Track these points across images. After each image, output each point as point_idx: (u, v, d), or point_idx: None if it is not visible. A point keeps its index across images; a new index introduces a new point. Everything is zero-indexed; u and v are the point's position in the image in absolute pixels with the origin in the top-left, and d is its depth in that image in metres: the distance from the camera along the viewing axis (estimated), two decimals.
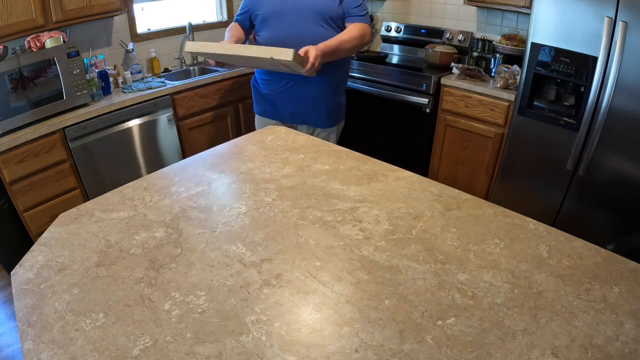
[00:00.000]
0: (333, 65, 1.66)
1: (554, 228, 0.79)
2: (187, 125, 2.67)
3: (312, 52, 1.41)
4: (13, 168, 1.93)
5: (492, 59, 2.50)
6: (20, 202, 2.02)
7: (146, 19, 2.84)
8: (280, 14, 1.64)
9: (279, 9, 1.65)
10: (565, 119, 1.99)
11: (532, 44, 1.98)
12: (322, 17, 1.61)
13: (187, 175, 1.00)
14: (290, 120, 1.83)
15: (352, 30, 1.63)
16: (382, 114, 2.73)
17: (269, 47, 1.36)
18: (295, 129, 1.75)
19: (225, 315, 0.60)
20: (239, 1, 3.33)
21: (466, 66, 2.50)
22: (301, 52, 1.40)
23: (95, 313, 0.61)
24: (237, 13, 1.83)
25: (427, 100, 2.49)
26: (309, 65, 1.40)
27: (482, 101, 2.35)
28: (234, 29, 1.77)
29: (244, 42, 1.78)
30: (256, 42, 1.77)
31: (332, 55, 1.55)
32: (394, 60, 2.96)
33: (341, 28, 1.65)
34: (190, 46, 1.45)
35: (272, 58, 1.27)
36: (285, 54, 1.28)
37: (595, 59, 1.77)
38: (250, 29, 1.82)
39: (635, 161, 1.80)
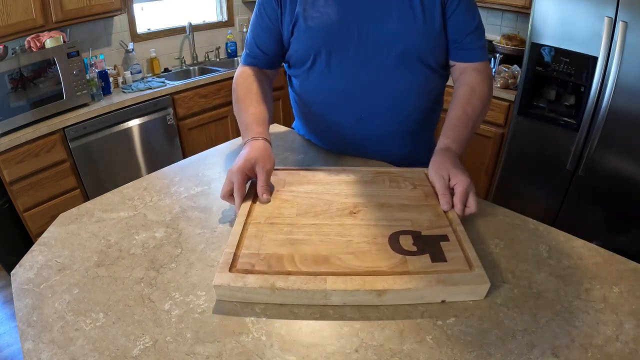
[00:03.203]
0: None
1: (554, 228, 0.79)
2: (187, 125, 2.68)
3: (460, 186, 0.75)
4: (13, 168, 1.94)
5: (492, 58, 2.51)
6: (20, 202, 2.02)
7: (146, 19, 2.85)
8: (344, 49, 0.92)
9: (339, 40, 0.91)
10: (565, 119, 1.99)
11: (532, 44, 1.98)
12: (418, 57, 0.92)
13: (187, 175, 1.00)
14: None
15: (477, 85, 0.92)
16: None
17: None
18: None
19: (226, 315, 0.60)
20: (239, 1, 3.34)
21: None
22: (442, 195, 0.77)
23: (95, 313, 0.61)
24: (248, 43, 1.02)
25: None
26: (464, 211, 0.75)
27: None
28: (252, 98, 0.95)
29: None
30: (293, 93, 1.11)
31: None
32: None
33: (443, 65, 0.98)
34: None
35: (443, 302, 0.62)
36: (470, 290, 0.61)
37: (595, 59, 1.77)
38: (276, 71, 1.08)
39: (635, 161, 1.80)
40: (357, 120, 1.00)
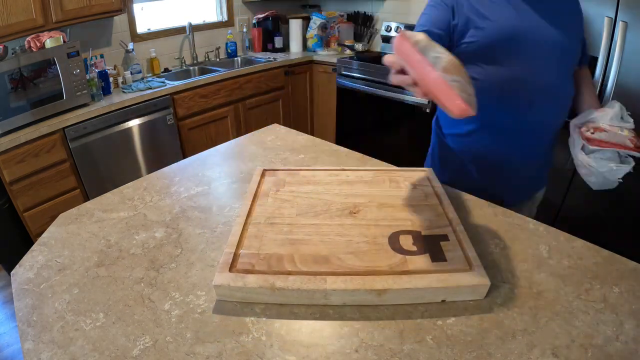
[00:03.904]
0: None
1: (553, 228, 0.79)
2: (187, 125, 2.67)
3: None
4: (13, 168, 1.93)
5: None
6: (20, 202, 2.02)
7: (146, 19, 2.85)
8: (519, 42, 0.95)
9: (515, 33, 0.95)
10: (566, 119, 1.99)
11: None
12: (573, 58, 1.07)
13: (187, 175, 1.00)
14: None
15: (590, 81, 1.17)
16: (382, 114, 2.74)
17: None
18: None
19: (226, 315, 0.60)
20: (239, 1, 3.34)
21: None
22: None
23: (95, 313, 0.61)
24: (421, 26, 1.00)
25: (428, 100, 2.50)
26: None
27: None
28: None
29: None
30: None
31: None
32: None
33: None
34: None
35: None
36: None
37: (595, 59, 1.77)
38: None
39: (635, 161, 1.80)
40: (529, 105, 1.02)
